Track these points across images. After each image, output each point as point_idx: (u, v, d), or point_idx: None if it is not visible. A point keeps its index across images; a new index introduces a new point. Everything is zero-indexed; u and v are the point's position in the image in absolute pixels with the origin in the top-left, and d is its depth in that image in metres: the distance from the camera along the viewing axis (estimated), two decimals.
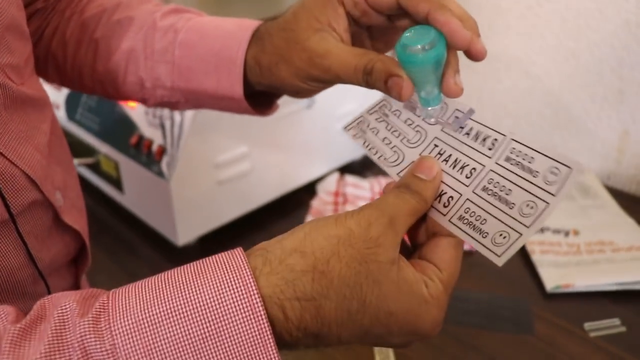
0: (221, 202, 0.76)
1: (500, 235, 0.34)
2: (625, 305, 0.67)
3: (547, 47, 0.99)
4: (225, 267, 0.31)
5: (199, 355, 0.29)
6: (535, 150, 0.36)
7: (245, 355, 0.30)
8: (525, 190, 0.34)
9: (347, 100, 0.93)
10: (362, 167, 1.01)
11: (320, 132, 0.91)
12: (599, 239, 0.78)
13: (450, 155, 0.38)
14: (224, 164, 0.78)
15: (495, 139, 0.37)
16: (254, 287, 0.30)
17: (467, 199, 0.36)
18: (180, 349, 0.29)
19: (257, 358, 0.30)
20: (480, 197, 0.35)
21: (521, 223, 0.34)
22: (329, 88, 0.45)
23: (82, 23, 0.55)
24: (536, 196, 0.34)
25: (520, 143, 0.36)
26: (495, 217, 0.35)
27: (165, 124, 0.76)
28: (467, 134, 0.38)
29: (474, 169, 0.37)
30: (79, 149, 0.90)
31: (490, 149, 0.37)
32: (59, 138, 0.52)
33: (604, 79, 0.94)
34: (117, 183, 0.86)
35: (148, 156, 0.77)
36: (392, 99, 0.40)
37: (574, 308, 0.67)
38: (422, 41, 0.35)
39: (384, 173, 0.98)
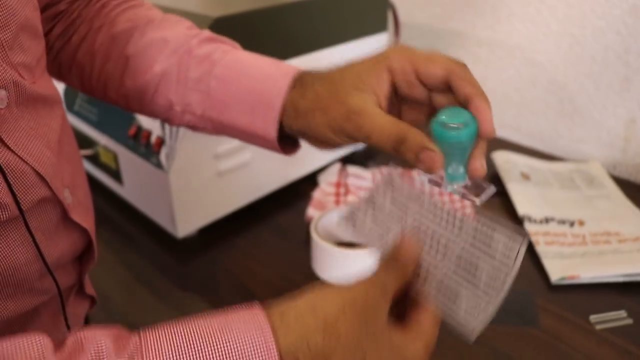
0: (221, 194, 0.75)
1: (469, 311, 0.40)
2: (631, 297, 0.66)
3: (551, 34, 0.98)
4: (249, 324, 0.36)
5: None
6: (493, 228, 0.39)
7: None
8: (487, 267, 0.39)
9: None
10: (364, 158, 1.00)
11: None
12: (605, 230, 0.77)
13: (428, 235, 0.42)
14: (224, 154, 0.77)
15: (462, 219, 0.41)
16: (273, 346, 0.35)
17: (441, 276, 0.41)
18: None
19: None
20: (452, 275, 0.41)
21: (486, 296, 0.39)
22: (353, 144, 0.47)
23: (112, 36, 0.56)
24: (498, 270, 0.39)
25: (481, 223, 0.40)
26: (464, 294, 0.40)
27: None
28: (444, 215, 0.42)
29: (446, 247, 0.41)
30: (78, 140, 0.89)
31: (460, 229, 0.41)
32: (69, 136, 0.52)
33: (610, 67, 0.92)
34: (116, 175, 0.86)
35: (146, 147, 0.76)
36: (384, 185, 0.45)
37: (580, 300, 0.66)
38: (458, 120, 0.39)
39: (386, 163, 0.97)
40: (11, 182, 0.40)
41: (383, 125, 0.42)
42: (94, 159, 0.90)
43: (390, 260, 0.41)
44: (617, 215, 0.80)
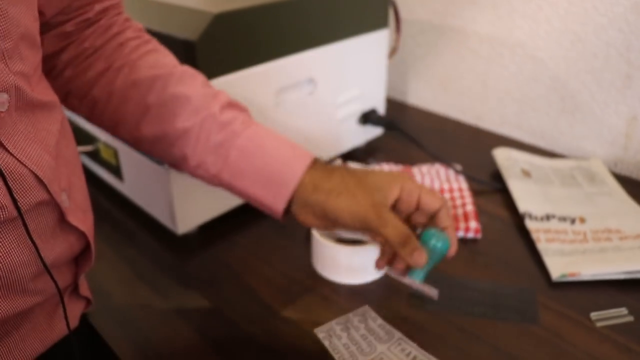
0: (222, 191, 0.74)
1: None
2: (632, 295, 0.66)
3: (552, 31, 0.97)
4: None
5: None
6: None
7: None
8: None
9: (349, 87, 0.92)
10: (365, 154, 1.00)
11: (322, 118, 0.89)
12: (606, 227, 0.77)
13: None
14: None
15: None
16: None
17: None
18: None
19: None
20: None
21: None
22: (347, 230, 0.59)
23: (133, 81, 0.59)
24: None
25: None
26: None
27: None
28: (408, 354, 0.55)
29: None
30: (78, 136, 0.89)
31: None
32: (68, 139, 0.52)
33: (612, 64, 0.92)
34: (116, 171, 0.85)
35: None
36: (357, 318, 0.58)
37: (580, 297, 0.66)
38: (441, 237, 0.56)
39: (387, 160, 0.97)
40: (10, 184, 0.41)
41: (398, 224, 0.53)
42: (95, 155, 0.90)
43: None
44: (618, 213, 0.80)
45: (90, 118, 0.62)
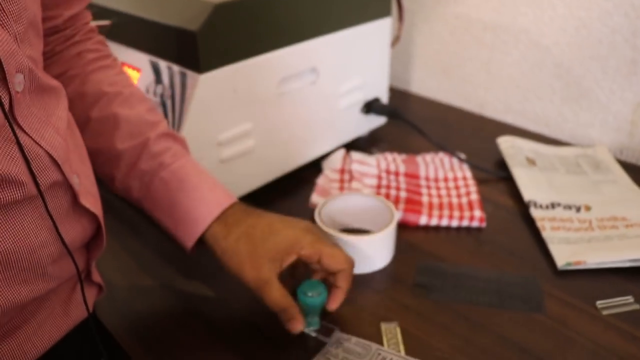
0: (224, 181, 0.74)
1: None
2: (638, 283, 0.66)
3: (557, 17, 0.96)
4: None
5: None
6: None
7: None
8: None
9: (352, 76, 0.91)
10: (368, 144, 1.00)
11: (324, 108, 0.89)
12: (612, 215, 0.76)
13: None
14: (227, 142, 0.76)
15: None
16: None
17: None
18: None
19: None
20: None
21: None
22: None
23: (81, 93, 0.61)
24: None
25: None
26: None
27: (166, 102, 0.75)
28: None
29: None
30: None
31: None
32: (73, 129, 0.54)
33: (617, 50, 0.91)
34: None
35: None
36: (333, 346, 0.58)
37: (586, 286, 0.66)
38: (315, 290, 0.59)
39: (390, 149, 0.96)
40: (30, 163, 0.42)
41: (277, 297, 0.57)
42: None
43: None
44: (623, 200, 0.80)
45: None
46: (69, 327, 0.52)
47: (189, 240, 0.60)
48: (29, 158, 0.42)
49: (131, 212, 0.84)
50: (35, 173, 0.42)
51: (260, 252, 0.58)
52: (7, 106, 0.40)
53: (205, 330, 0.61)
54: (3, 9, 0.40)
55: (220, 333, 0.61)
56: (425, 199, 0.82)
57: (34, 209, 0.43)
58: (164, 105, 0.75)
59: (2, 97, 0.40)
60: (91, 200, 0.51)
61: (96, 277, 0.58)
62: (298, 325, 0.57)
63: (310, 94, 0.85)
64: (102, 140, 0.61)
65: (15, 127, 0.41)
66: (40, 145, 0.43)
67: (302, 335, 0.59)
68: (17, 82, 0.41)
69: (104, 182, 0.63)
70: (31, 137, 0.43)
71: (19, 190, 0.41)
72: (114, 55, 0.67)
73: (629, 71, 0.90)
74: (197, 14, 0.69)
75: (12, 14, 0.41)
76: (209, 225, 0.59)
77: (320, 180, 0.87)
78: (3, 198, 0.40)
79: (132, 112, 0.62)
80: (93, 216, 0.51)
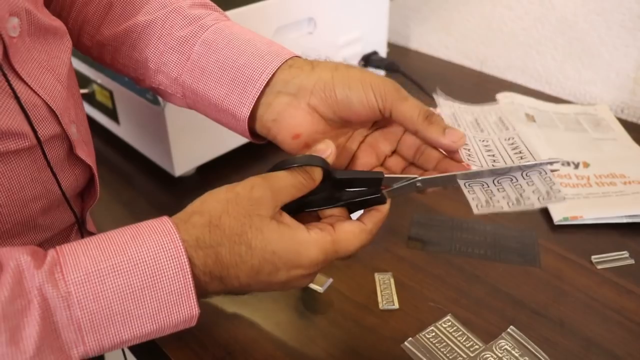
0: (220, 132, 0.73)
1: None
2: (634, 239, 0.65)
3: None
4: (157, 230, 0.39)
5: (137, 299, 0.37)
6: None
7: (173, 292, 0.38)
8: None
9: (350, 28, 0.89)
10: None
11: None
12: (610, 172, 0.75)
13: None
14: None
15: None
16: (181, 246, 0.38)
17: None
18: (123, 296, 0.36)
19: (180, 293, 0.38)
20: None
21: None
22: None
23: None
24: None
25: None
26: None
27: None
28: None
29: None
30: None
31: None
32: (72, 71, 0.52)
33: (622, 4, 0.89)
34: (112, 114, 0.84)
35: None
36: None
37: (582, 240, 0.65)
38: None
39: None
40: (29, 114, 0.41)
41: (416, 100, 0.47)
42: (90, 98, 0.88)
43: (300, 171, 0.44)
44: (623, 158, 0.79)
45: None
46: None
47: (245, 103, 0.47)
48: (27, 110, 0.41)
49: (124, 164, 0.83)
50: (34, 125, 0.41)
51: (360, 71, 0.47)
52: (1, 54, 0.39)
53: None
54: None
55: None
56: None
57: (32, 163, 0.43)
58: None
59: None
60: (86, 149, 0.50)
61: (91, 226, 0.57)
62: (460, 132, 0.47)
63: (307, 45, 0.83)
64: (128, 19, 0.52)
65: (13, 76, 0.40)
66: (38, 95, 0.42)
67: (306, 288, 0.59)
68: (11, 26, 0.39)
69: (137, 80, 0.56)
70: (29, 86, 0.41)
71: (18, 141, 0.40)
72: None
73: (634, 26, 0.88)
74: None
75: None
76: (273, 74, 0.47)
77: None
78: (2, 147, 0.40)
79: None
80: (86, 166, 0.50)
